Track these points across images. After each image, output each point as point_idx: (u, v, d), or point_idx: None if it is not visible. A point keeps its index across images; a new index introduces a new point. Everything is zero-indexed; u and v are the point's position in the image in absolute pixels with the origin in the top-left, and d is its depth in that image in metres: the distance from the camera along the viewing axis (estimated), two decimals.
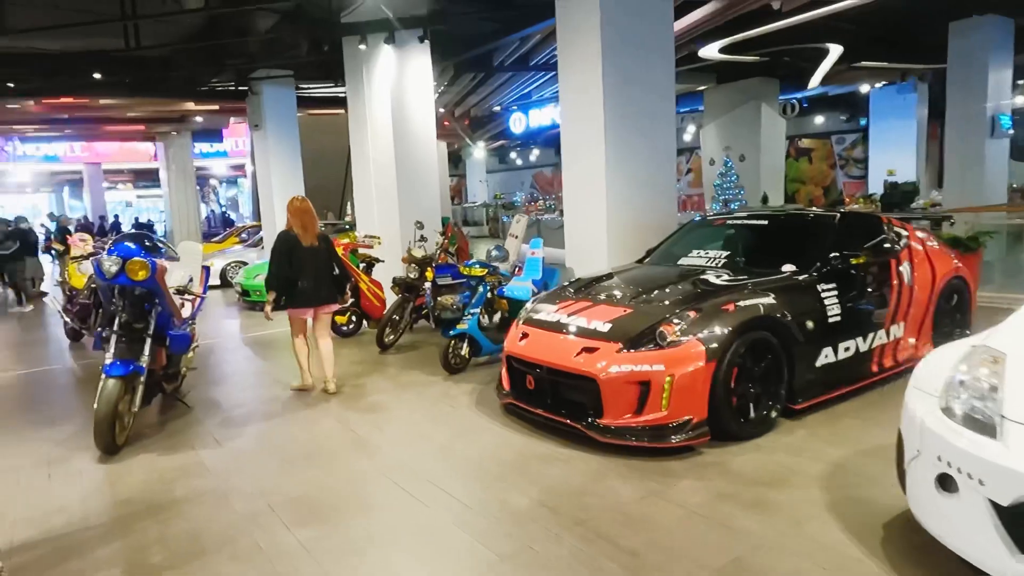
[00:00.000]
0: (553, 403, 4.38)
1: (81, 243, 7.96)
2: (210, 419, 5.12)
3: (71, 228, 16.46)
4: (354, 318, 8.14)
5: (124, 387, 4.43)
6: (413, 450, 4.29)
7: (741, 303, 4.13)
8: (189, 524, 3.42)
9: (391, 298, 8.12)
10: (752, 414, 4.12)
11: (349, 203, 19.89)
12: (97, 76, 10.84)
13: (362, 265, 8.13)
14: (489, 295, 6.30)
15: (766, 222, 5.58)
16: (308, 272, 5.44)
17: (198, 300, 5.82)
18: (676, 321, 4.00)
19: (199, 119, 16.82)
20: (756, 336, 4.10)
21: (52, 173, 32.67)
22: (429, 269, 7.10)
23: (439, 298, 5.95)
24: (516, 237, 7.81)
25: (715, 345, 3.89)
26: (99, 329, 4.77)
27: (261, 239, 14.49)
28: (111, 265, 4.31)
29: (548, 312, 4.73)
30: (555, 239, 7.71)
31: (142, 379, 4.59)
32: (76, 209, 38.87)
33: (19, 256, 11.70)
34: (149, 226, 27.42)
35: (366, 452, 4.31)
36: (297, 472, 4.02)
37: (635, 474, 3.68)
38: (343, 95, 14.39)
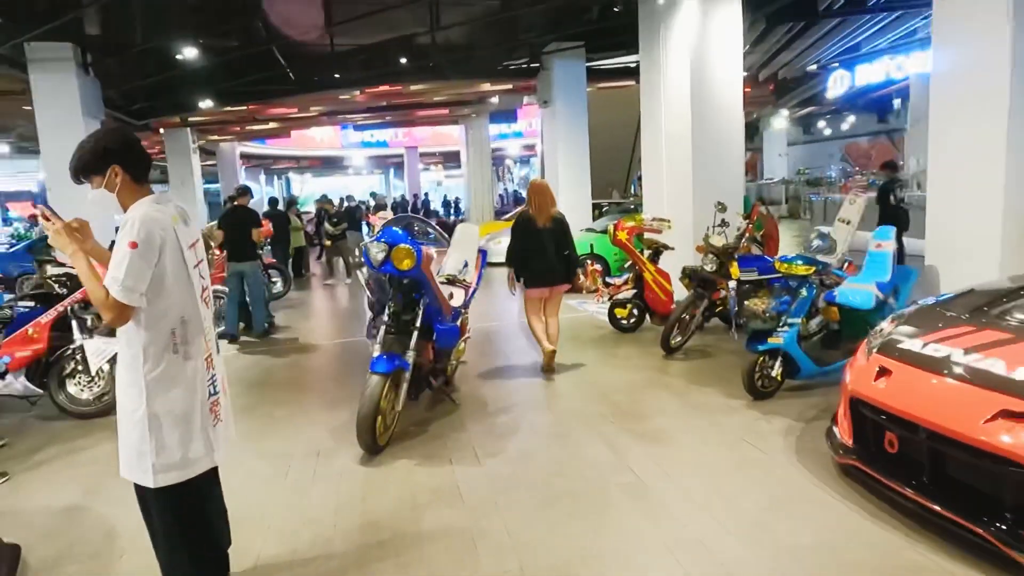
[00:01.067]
0: (934, 484, 2.88)
1: (380, 220, 8.29)
2: (474, 422, 4.61)
3: (387, 204, 18.30)
4: (635, 312, 7.19)
5: (388, 384, 4.08)
6: (710, 516, 3.17)
7: None
8: (428, 574, 2.80)
9: (679, 291, 7.00)
10: None
11: (636, 181, 19.13)
12: (403, 61, 11.47)
13: (648, 252, 7.12)
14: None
15: None
16: (540, 252, 5.50)
17: (471, 288, 5.39)
18: None
19: (495, 100, 17.35)
20: None
21: (381, 157, 37.72)
22: (732, 261, 5.79)
23: (747, 302, 4.65)
24: (848, 223, 6.04)
25: None
26: (370, 318, 4.52)
27: None
28: (378, 252, 3.94)
29: (923, 341, 3.18)
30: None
31: (407, 376, 4.21)
32: (398, 188, 44.76)
33: (346, 234, 13.09)
34: (456, 204, 29.97)
35: (647, 507, 3.31)
36: (558, 524, 3.18)
37: None
38: (634, 64, 13.42)
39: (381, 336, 4.24)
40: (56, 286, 5.16)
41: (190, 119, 16.75)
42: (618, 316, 7.20)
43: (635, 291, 7.12)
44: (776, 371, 4.69)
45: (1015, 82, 4.45)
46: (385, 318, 4.29)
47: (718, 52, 7.82)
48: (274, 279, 11.33)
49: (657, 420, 4.49)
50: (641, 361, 6.03)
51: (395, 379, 4.17)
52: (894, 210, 8.43)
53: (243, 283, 7.77)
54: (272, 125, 18.82)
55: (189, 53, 10.57)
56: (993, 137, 4.53)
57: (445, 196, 31.89)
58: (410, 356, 4.21)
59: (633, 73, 14.59)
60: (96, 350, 4.91)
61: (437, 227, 4.88)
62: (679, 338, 6.15)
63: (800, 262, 4.72)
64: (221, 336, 7.90)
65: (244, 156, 29.15)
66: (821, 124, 31.69)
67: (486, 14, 10.91)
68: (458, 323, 4.92)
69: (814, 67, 14.89)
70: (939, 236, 5.04)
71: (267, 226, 11.31)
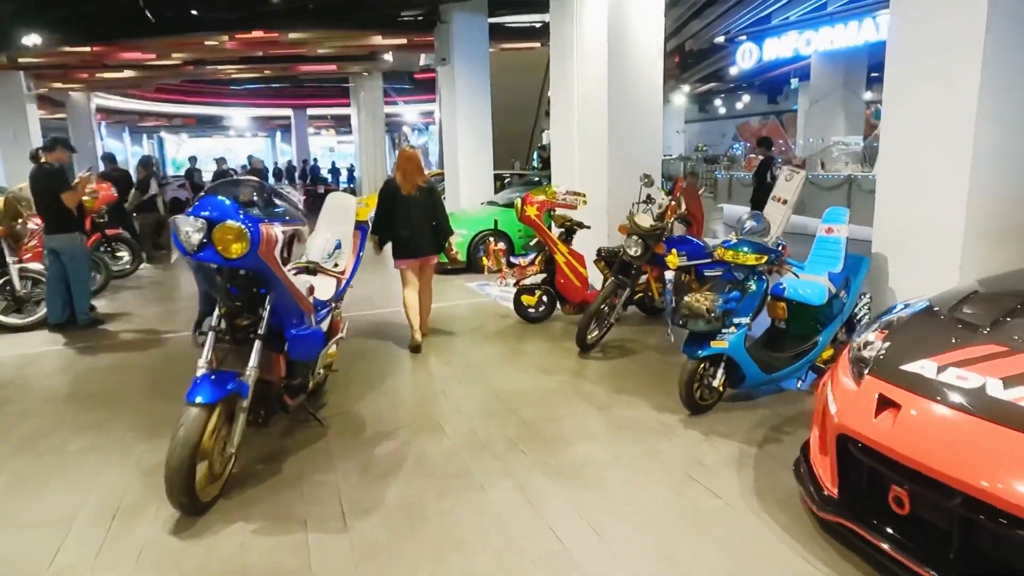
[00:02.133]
0: (966, 561, 2.11)
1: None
2: (345, 456, 3.50)
3: (265, 170, 16.42)
4: (544, 299, 6.27)
5: (218, 416, 2.90)
6: None
7: None
8: None
9: (594, 277, 6.14)
10: None
11: (537, 152, 18.24)
12: (276, 0, 9.84)
13: (559, 231, 6.19)
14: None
15: None
16: (406, 220, 5.37)
17: (346, 276, 4.23)
18: None
19: (388, 57, 15.78)
20: None
21: (265, 118, 34.73)
22: (660, 245, 4.97)
23: (688, 298, 3.79)
24: (784, 202, 5.36)
25: None
26: (197, 319, 3.28)
27: (442, 189, 13.20)
28: (192, 232, 2.71)
29: (937, 363, 2.41)
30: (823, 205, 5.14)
31: (245, 403, 3.03)
32: (285, 154, 41.63)
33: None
34: (350, 171, 27.86)
35: None
36: None
37: None
38: (540, 25, 12.42)
39: (208, 346, 3.02)
40: None
41: (20, 60, 14.07)
42: (525, 304, 6.26)
43: (545, 275, 6.19)
44: (718, 380, 3.89)
45: (989, 48, 3.81)
46: (214, 321, 3.07)
47: (638, 8, 6.93)
48: (119, 253, 9.54)
49: (579, 447, 3.57)
50: (553, 361, 5.11)
51: (227, 408, 2.99)
52: (770, 188, 7.98)
53: (59, 261, 6.16)
54: (129, 74, 16.26)
55: None
56: (960, 108, 3.89)
57: (333, 163, 29.72)
58: (250, 376, 3.03)
59: (539, 34, 13.62)
60: None
61: (290, 195, 3.64)
62: (595, 332, 5.29)
63: (747, 249, 3.91)
64: (46, 326, 6.28)
65: (101, 110, 25.68)
66: (717, 103, 32.15)
67: None
68: (324, 324, 3.76)
69: (722, 39, 14.50)
70: (890, 220, 4.40)
71: (107, 190, 9.47)
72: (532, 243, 6.41)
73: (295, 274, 3.50)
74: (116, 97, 24.45)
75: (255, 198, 3.04)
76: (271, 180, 25.70)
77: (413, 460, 3.46)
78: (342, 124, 36.89)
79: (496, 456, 3.48)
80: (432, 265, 5.71)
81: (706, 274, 5.35)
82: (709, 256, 5.20)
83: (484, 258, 7.35)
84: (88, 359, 5.51)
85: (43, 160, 6.13)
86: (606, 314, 5.29)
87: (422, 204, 5.42)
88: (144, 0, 10.00)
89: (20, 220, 6.88)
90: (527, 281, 6.25)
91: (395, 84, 22.23)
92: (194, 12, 9.77)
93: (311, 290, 3.48)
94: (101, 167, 20.83)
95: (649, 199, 5.38)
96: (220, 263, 2.80)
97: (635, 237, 5.03)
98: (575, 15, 7.41)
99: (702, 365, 3.87)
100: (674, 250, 4.87)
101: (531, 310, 6.27)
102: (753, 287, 3.89)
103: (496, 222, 9.07)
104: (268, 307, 3.11)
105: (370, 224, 5.04)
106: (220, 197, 2.80)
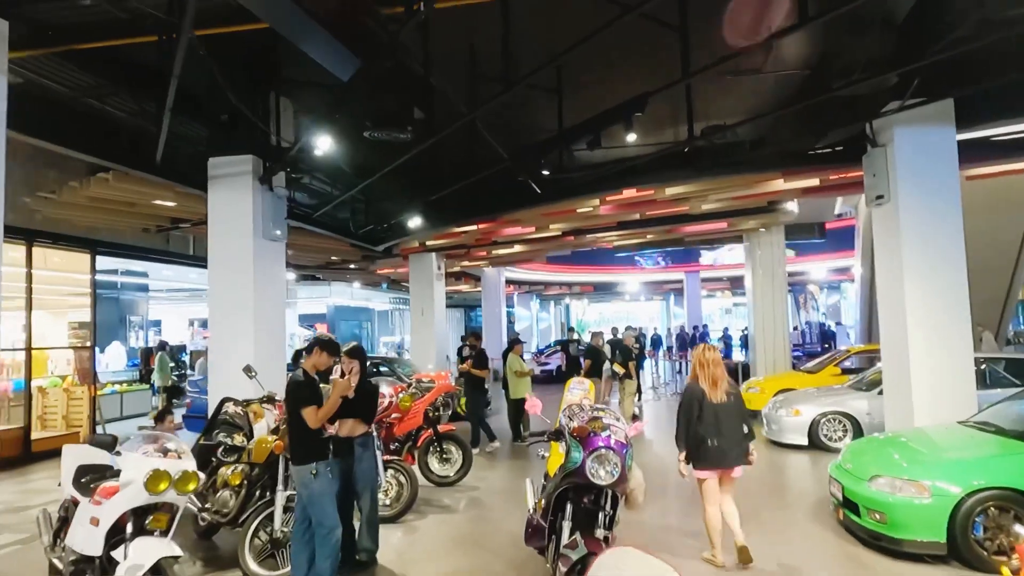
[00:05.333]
0: None
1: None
2: None
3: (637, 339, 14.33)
4: None
5: None
6: None
7: None
8: None
9: None
10: None
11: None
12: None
13: None
14: None
15: None
16: (716, 429, 5.08)
17: None
18: None
19: (791, 206, 12.64)
20: None
21: (656, 283, 34.13)
22: None
23: None
24: None
25: None
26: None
27: (877, 376, 8.99)
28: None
29: None
30: None
31: None
32: (678, 316, 40.37)
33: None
34: (743, 338, 24.50)
35: None
36: None
37: None
38: None
39: None
40: None
41: (427, 243, 15.22)
42: None
43: None
44: None
45: None
46: None
47: None
48: (447, 455, 8.03)
49: None
50: None
51: None
52: None
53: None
54: (518, 248, 16.55)
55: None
56: None
57: (726, 330, 26.69)
58: None
59: None
60: None
61: None
62: None
63: None
64: None
65: (511, 282, 28.07)
66: None
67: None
68: None
69: None
70: None
71: (443, 379, 8.25)
72: None
73: None
74: (520, 269, 26.33)
75: None
76: (648, 347, 23.95)
77: None
78: (739, 284, 34.14)
79: None
80: (734, 477, 5.23)
81: None
82: None
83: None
84: None
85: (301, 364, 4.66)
86: None
87: (732, 410, 5.15)
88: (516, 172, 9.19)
89: None
90: None
91: (798, 240, 18.66)
92: (545, 173, 8.45)
93: None
94: (503, 339, 21.89)
95: None
96: None
97: None
98: None
99: None
100: None
101: None
102: None
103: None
104: None
105: None
106: None
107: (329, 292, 27.06)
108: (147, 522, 3.90)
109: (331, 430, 4.79)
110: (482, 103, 6.62)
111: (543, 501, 4.29)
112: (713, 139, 8.41)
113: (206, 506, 5.69)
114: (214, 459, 5.96)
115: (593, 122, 6.78)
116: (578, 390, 5.43)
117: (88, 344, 12.00)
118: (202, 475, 4.14)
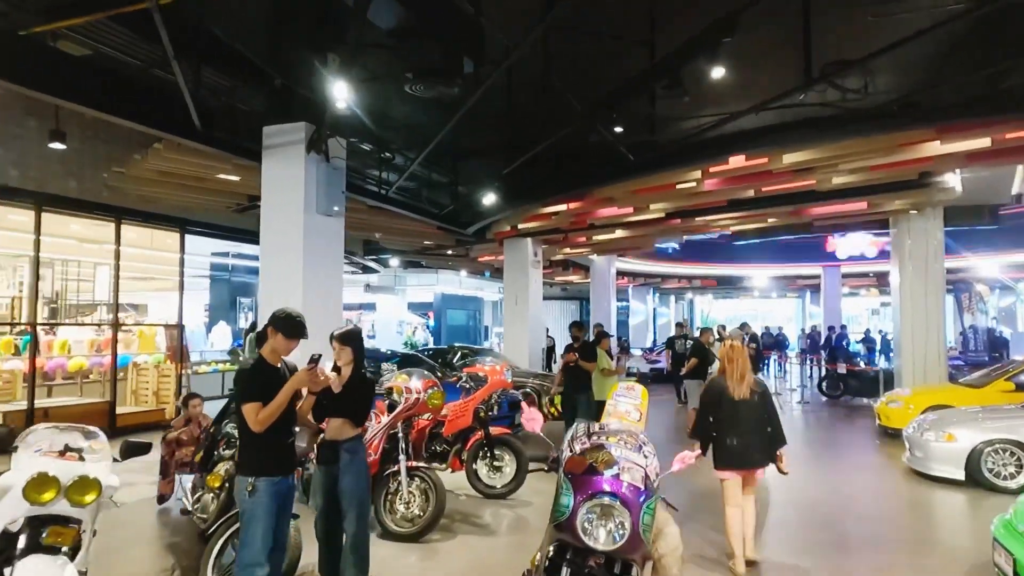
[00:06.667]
0: None
1: None
2: None
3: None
4: None
5: None
6: None
7: None
8: None
9: None
10: None
11: None
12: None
13: None
14: None
15: None
16: (738, 429, 4.88)
17: None
18: None
19: (951, 181, 10.21)
20: None
21: (787, 277, 30.96)
22: None
23: None
24: None
25: None
26: None
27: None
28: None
29: None
30: None
31: None
32: (814, 316, 36.54)
33: None
34: (884, 341, 21.46)
35: None
36: None
37: None
38: None
39: None
40: None
41: (520, 227, 14.17)
42: None
43: None
44: None
45: None
46: None
47: None
48: (498, 463, 6.94)
49: None
50: None
51: None
52: None
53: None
54: (620, 233, 15.08)
55: None
56: None
57: (867, 332, 23.53)
58: None
59: None
60: None
61: None
62: None
63: None
64: None
65: (622, 273, 26.43)
66: None
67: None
68: None
69: None
70: None
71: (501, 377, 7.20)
72: None
73: None
74: (634, 260, 24.64)
75: None
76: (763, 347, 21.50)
77: None
78: (886, 282, 30.17)
79: None
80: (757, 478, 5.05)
81: None
82: None
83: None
84: None
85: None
86: None
87: (757, 408, 4.93)
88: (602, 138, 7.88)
89: None
90: None
91: (962, 227, 15.51)
92: (618, 129, 6.96)
93: None
94: (613, 333, 20.37)
95: None
96: None
97: None
98: None
99: None
100: None
101: None
102: None
103: None
104: None
105: None
106: None
107: (436, 280, 26.85)
108: (43, 537, 3.12)
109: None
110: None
111: (537, 555, 3.10)
112: (844, 87, 6.64)
113: (196, 507, 5.00)
114: (216, 453, 5.27)
115: (671, 57, 5.36)
116: (626, 399, 4.12)
117: (174, 323, 12.20)
118: (113, 482, 3.33)
